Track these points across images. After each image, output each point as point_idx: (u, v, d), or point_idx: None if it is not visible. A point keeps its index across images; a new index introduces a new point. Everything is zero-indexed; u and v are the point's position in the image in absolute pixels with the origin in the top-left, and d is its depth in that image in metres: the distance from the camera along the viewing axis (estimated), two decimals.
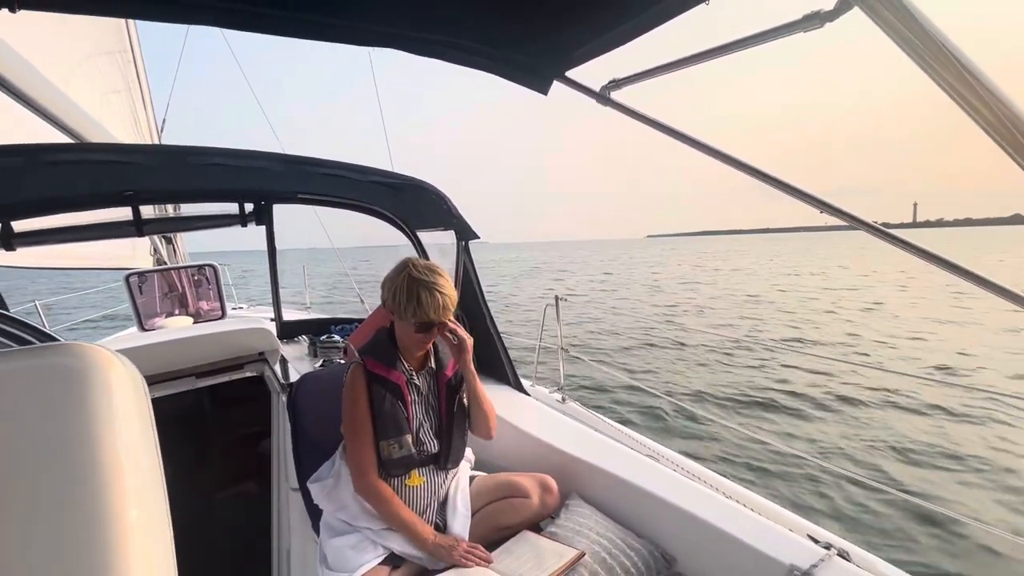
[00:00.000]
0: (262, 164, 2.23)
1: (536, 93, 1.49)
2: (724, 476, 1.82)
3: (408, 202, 2.75)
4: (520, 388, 2.55)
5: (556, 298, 3.27)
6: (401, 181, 2.39)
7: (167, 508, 0.61)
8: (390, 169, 2.53)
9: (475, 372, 1.63)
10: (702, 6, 1.07)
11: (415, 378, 1.57)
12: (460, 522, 1.56)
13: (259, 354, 2.89)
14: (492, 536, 1.58)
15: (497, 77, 1.43)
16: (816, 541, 1.29)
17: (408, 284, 1.47)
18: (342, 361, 2.82)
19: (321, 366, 2.77)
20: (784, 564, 1.21)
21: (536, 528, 1.60)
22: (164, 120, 5.69)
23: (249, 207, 2.83)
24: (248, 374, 2.85)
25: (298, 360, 3.00)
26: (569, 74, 1.35)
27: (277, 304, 3.45)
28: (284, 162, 2.25)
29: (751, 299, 16.84)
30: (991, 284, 0.86)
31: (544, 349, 3.51)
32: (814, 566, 1.18)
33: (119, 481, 0.53)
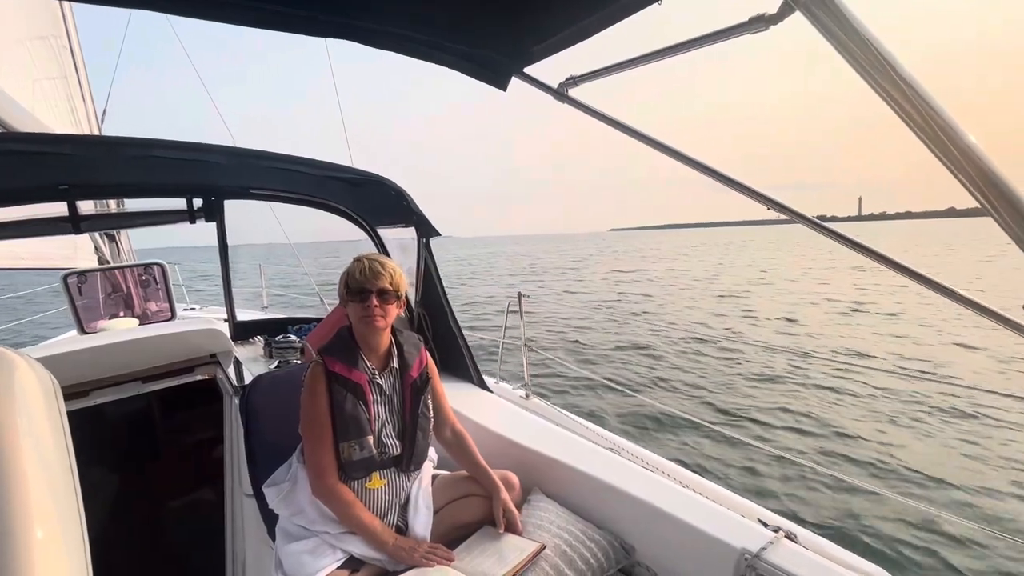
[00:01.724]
0: (211, 158, 2.14)
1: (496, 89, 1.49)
2: (681, 466, 1.88)
3: (367, 198, 2.70)
4: (483, 385, 2.55)
5: (519, 295, 3.28)
6: (359, 176, 2.33)
7: (82, 525, 0.55)
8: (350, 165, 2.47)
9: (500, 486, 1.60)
10: (655, 6, 1.10)
11: (378, 378, 1.54)
12: (422, 523, 1.54)
13: (211, 356, 2.78)
14: (455, 534, 1.58)
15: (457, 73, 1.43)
16: (766, 525, 1.35)
17: (347, 268, 1.54)
18: (299, 362, 2.74)
19: (277, 367, 2.68)
20: (736, 548, 1.25)
21: None
22: (105, 111, 5.37)
23: (198, 203, 2.71)
24: (200, 377, 2.73)
25: (253, 362, 2.90)
26: (528, 71, 1.36)
27: (230, 304, 3.32)
28: (235, 156, 2.16)
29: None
30: (906, 269, 0.93)
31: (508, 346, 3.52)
32: (763, 548, 1.23)
33: (21, 498, 0.48)
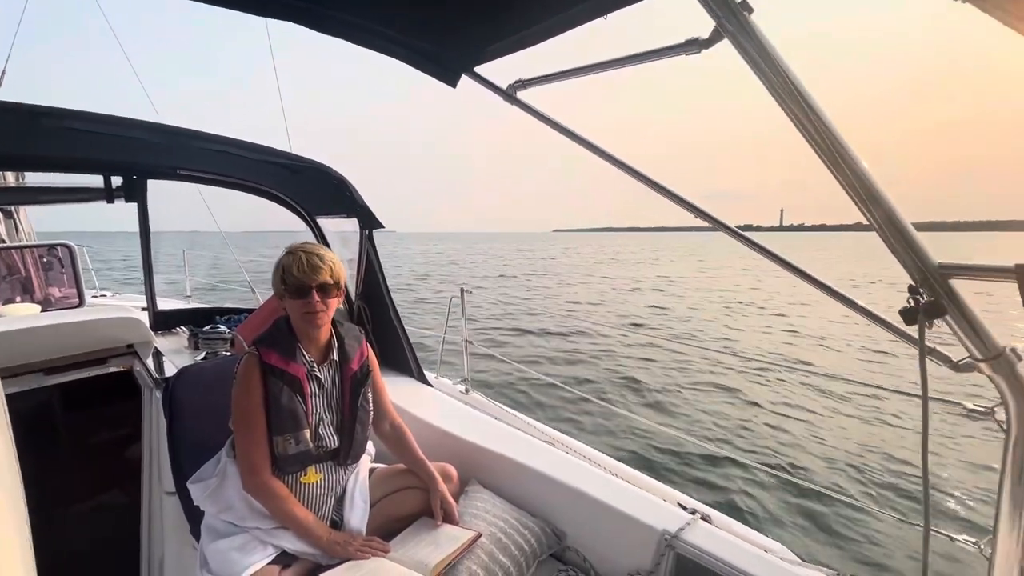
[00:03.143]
0: (135, 133, 1.99)
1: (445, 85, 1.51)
2: (610, 456, 1.98)
3: (307, 186, 2.62)
4: (423, 379, 2.55)
5: (461, 290, 3.30)
6: (298, 163, 2.26)
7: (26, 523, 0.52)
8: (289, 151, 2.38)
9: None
10: (600, 20, 1.17)
11: (316, 370, 1.51)
12: (358, 516, 1.54)
13: (127, 347, 2.59)
14: (392, 526, 1.58)
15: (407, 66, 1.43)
16: (684, 508, 1.46)
17: (282, 261, 1.48)
18: (228, 353, 2.62)
19: (203, 359, 2.54)
20: (657, 530, 1.35)
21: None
22: (3, 71, 4.82)
23: (117, 180, 2.51)
24: (114, 369, 2.54)
25: (176, 353, 2.73)
26: (478, 70, 1.39)
27: (150, 291, 3.10)
28: (161, 133, 2.02)
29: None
30: (809, 276, 1.05)
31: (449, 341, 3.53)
32: (681, 529, 1.33)
33: None
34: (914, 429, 5.02)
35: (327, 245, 2.81)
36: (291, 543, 1.42)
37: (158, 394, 2.16)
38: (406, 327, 2.60)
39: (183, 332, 3.17)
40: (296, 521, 1.40)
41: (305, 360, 1.48)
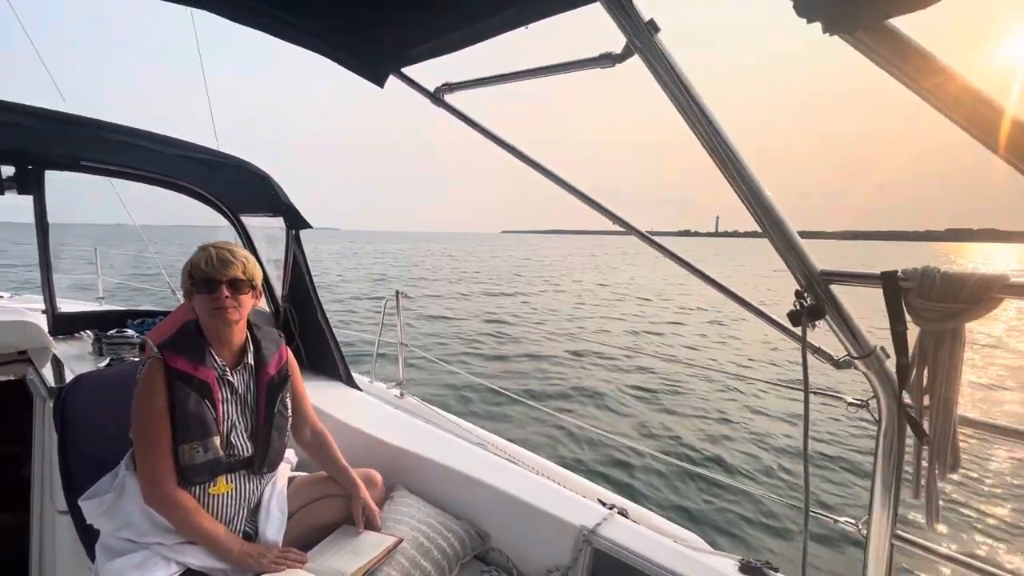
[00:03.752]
0: (30, 121, 1.81)
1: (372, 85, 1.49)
2: (540, 456, 2.02)
3: (227, 182, 2.49)
4: (352, 383, 2.49)
5: (397, 293, 3.24)
6: (216, 158, 2.14)
7: None
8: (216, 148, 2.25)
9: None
10: (521, 29, 1.20)
11: (229, 375, 1.43)
12: (274, 527, 1.47)
13: (19, 353, 2.36)
14: (312, 536, 1.53)
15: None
16: (604, 503, 1.51)
17: (191, 258, 1.42)
18: (137, 359, 2.44)
19: (108, 366, 2.35)
20: (576, 525, 1.39)
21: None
22: None
23: (8, 171, 2.28)
24: (4, 378, 2.30)
25: (78, 360, 2.51)
26: (406, 71, 1.38)
27: (49, 292, 2.83)
28: (61, 121, 1.86)
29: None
30: (710, 279, 1.13)
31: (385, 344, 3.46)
32: (598, 525, 1.38)
33: None
34: (817, 420, 5.43)
35: (251, 244, 2.69)
36: (198, 558, 1.33)
37: (51, 404, 1.98)
38: (335, 330, 2.53)
39: (88, 337, 2.92)
40: (204, 534, 1.33)
41: (216, 364, 1.41)
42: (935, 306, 0.87)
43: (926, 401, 0.93)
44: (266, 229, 2.65)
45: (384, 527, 1.52)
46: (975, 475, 4.29)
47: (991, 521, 3.66)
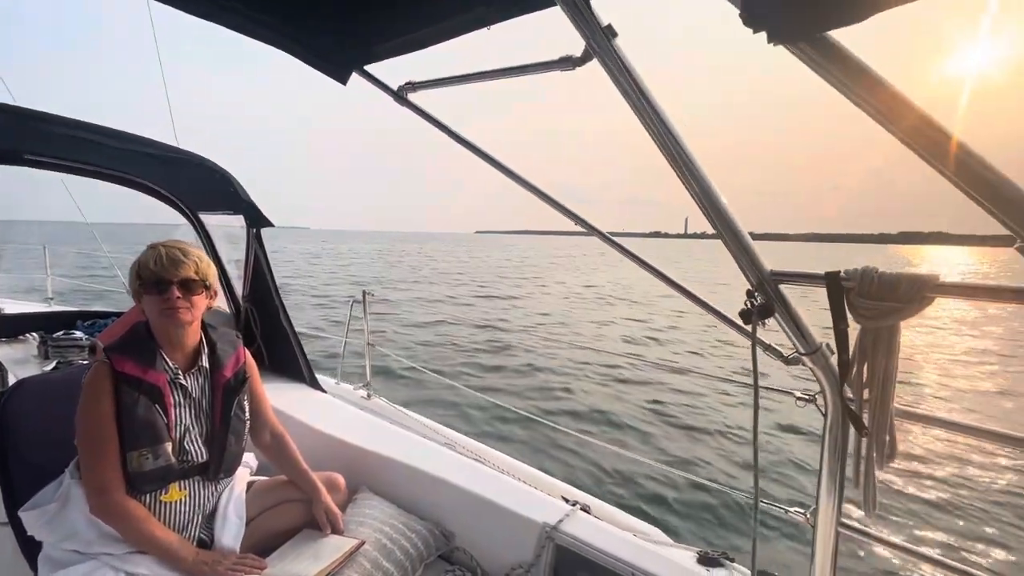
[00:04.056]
0: None
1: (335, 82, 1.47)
2: (506, 455, 2.03)
3: (185, 179, 2.41)
4: (316, 385, 2.44)
5: (363, 293, 3.20)
6: (174, 154, 2.07)
7: None
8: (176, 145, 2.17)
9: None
10: (484, 30, 1.21)
11: (181, 378, 1.38)
12: (231, 533, 1.43)
13: None
14: (272, 542, 1.50)
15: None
16: (567, 500, 1.53)
17: (139, 257, 1.37)
18: (86, 362, 2.33)
19: (54, 369, 2.24)
20: (538, 522, 1.41)
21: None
22: None
23: None
24: None
25: (21, 364, 2.38)
26: (369, 69, 1.37)
27: None
28: (2, 113, 1.76)
29: None
30: (668, 279, 1.17)
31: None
32: (560, 521, 1.40)
33: None
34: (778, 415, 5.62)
35: (211, 242, 2.61)
36: (149, 568, 1.29)
37: None
38: (297, 330, 2.48)
39: (33, 339, 2.77)
40: (155, 543, 1.28)
41: (167, 367, 1.36)
42: (874, 305, 0.92)
43: (866, 395, 0.98)
44: (227, 228, 2.57)
45: (346, 530, 1.50)
46: (919, 465, 4.52)
47: (929, 507, 3.87)
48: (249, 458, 1.72)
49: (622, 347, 10.12)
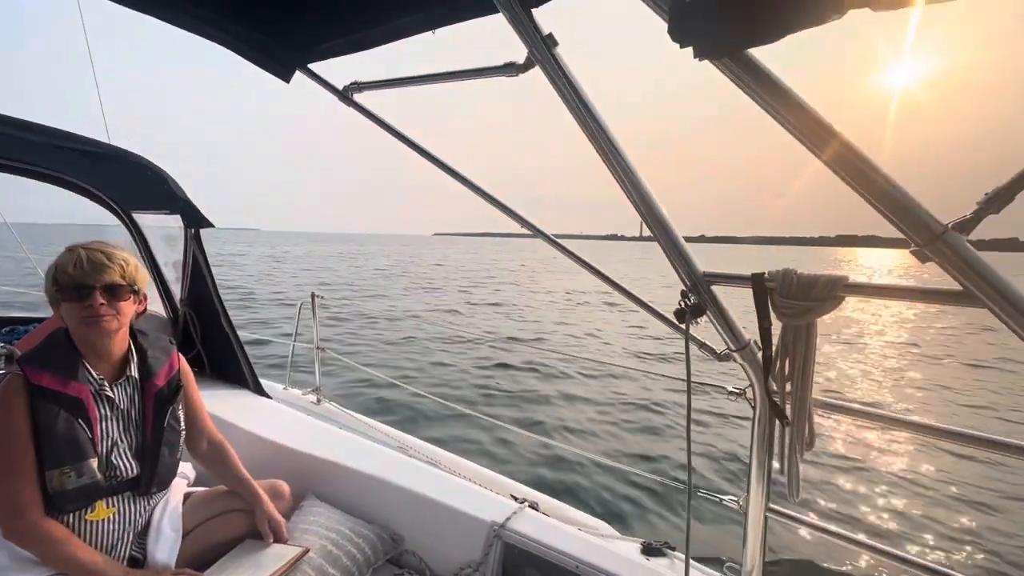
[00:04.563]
0: None
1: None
2: (459, 455, 2.03)
3: (116, 177, 2.28)
4: (260, 391, 2.36)
5: (312, 295, 3.12)
6: (105, 151, 1.95)
7: None
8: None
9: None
10: (428, 34, 1.22)
11: (107, 389, 1.30)
12: (166, 549, 1.37)
13: None
14: (211, 554, 1.44)
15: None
16: (516, 498, 1.56)
17: (56, 261, 1.28)
18: (3, 371, 2.16)
19: None
20: (486, 521, 1.42)
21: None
22: None
23: None
24: None
25: None
26: (314, 68, 1.35)
27: None
28: None
29: None
30: (608, 279, 1.22)
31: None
32: (508, 519, 1.42)
33: None
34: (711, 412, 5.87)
35: (145, 243, 2.48)
36: None
37: None
38: (239, 333, 2.39)
39: None
40: (79, 565, 1.20)
41: (91, 378, 1.28)
42: (793, 304, 0.99)
43: (788, 388, 1.06)
44: (163, 228, 2.45)
45: (291, 538, 1.46)
46: (840, 452, 4.84)
47: (848, 489, 4.16)
48: (186, 469, 1.65)
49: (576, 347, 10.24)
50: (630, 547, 1.45)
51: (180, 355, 1.49)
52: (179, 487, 1.53)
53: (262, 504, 1.48)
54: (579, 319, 13.46)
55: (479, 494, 1.56)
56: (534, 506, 1.52)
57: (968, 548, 3.44)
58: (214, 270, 2.39)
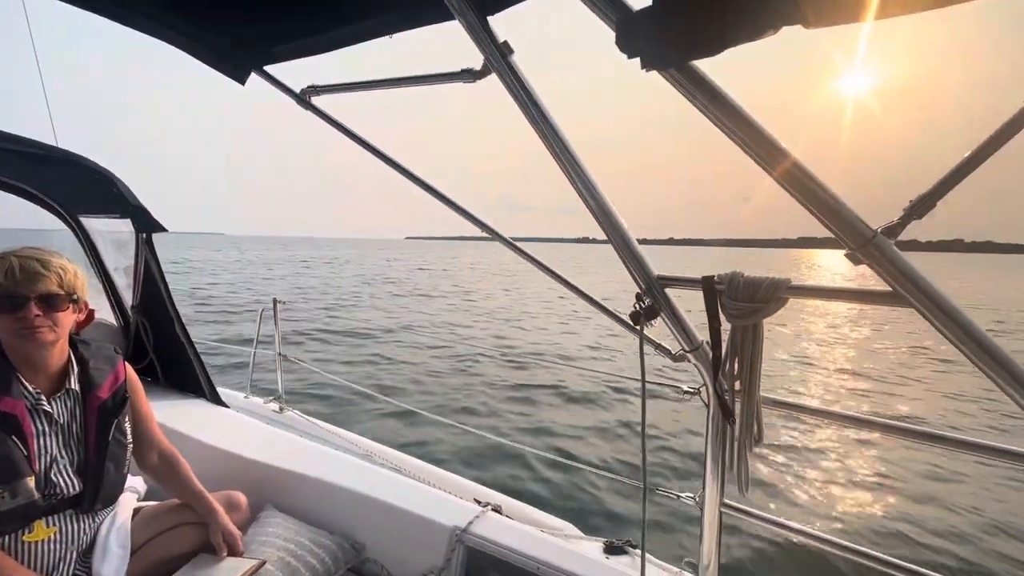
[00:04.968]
0: None
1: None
2: (424, 461, 2.02)
3: (61, 180, 2.18)
4: (217, 400, 2.29)
5: (274, 301, 3.04)
6: (49, 153, 1.86)
7: None
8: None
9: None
10: (385, 38, 1.21)
11: (45, 403, 1.23)
12: (112, 566, 1.31)
13: None
14: (164, 570, 1.39)
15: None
16: (479, 502, 1.56)
17: None
18: None
19: None
20: (448, 526, 1.42)
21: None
22: None
23: None
24: None
25: None
26: (270, 70, 1.33)
27: None
28: None
29: None
30: (566, 281, 1.24)
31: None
32: (470, 523, 1.42)
33: None
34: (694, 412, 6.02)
35: (94, 248, 2.38)
36: None
37: None
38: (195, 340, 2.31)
39: None
40: None
41: (27, 392, 1.21)
42: (740, 305, 1.03)
43: (737, 386, 1.10)
44: (113, 233, 2.35)
45: (247, 550, 1.42)
46: (787, 446, 5.03)
47: (797, 484, 4.32)
48: (136, 483, 1.58)
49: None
50: (593, 547, 1.46)
51: (127, 365, 1.44)
52: (128, 502, 1.47)
53: (216, 516, 1.44)
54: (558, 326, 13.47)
55: (442, 499, 1.55)
56: (497, 509, 1.53)
57: (908, 534, 3.63)
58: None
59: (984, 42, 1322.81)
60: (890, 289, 0.83)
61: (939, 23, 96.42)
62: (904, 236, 0.82)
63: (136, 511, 1.47)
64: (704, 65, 0.82)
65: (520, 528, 1.44)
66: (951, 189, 0.74)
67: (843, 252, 0.83)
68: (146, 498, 1.59)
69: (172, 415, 1.98)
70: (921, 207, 0.78)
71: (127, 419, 1.38)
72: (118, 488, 1.37)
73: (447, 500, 1.55)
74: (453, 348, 9.39)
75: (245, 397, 2.69)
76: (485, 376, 7.52)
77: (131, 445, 1.39)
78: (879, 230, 0.79)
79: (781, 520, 1.21)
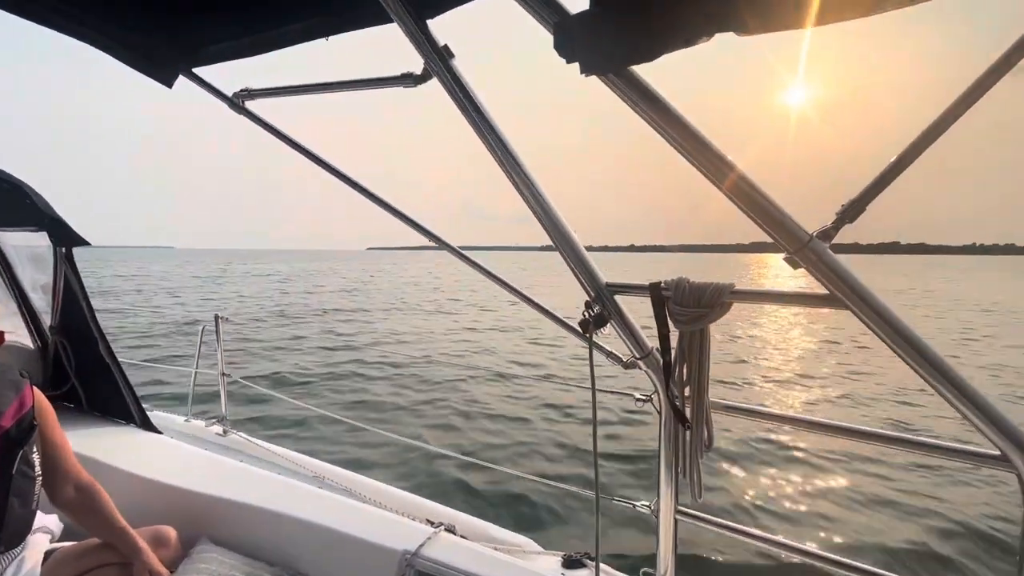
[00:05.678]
0: None
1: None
2: (376, 480, 1.93)
3: None
4: (148, 425, 2.13)
5: (216, 317, 2.87)
6: None
7: None
8: None
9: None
10: (322, 40, 1.16)
11: None
12: None
13: None
14: None
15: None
16: (432, 522, 1.49)
17: None
18: None
19: None
20: (398, 550, 1.35)
21: None
22: None
23: None
24: None
25: None
26: (199, 72, 1.25)
27: None
28: None
29: None
30: (514, 290, 1.21)
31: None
32: (421, 546, 1.36)
33: None
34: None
35: (7, 264, 2.18)
36: None
37: None
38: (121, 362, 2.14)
39: None
40: None
41: None
42: (686, 311, 1.03)
43: (687, 391, 1.09)
44: (28, 247, 2.16)
45: None
46: (735, 451, 5.15)
47: (749, 486, 4.43)
48: (50, 521, 1.43)
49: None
50: (551, 561, 1.43)
51: (35, 390, 1.30)
52: (38, 543, 1.32)
53: (141, 555, 1.31)
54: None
55: (393, 521, 1.48)
56: (451, 529, 1.47)
57: (861, 534, 3.76)
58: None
59: (907, 53, 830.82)
60: (827, 292, 0.84)
61: (867, 37, 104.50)
62: (844, 240, 0.85)
63: (48, 553, 1.33)
64: (646, 72, 0.82)
65: (474, 548, 1.39)
66: (879, 194, 0.76)
67: (782, 256, 0.85)
68: (62, 538, 1.44)
69: (95, 444, 1.82)
70: (852, 211, 0.80)
71: (35, 449, 1.25)
72: (25, 526, 1.23)
73: (397, 522, 1.48)
74: (393, 358, 9.17)
75: (186, 420, 2.52)
76: (437, 391, 7.37)
77: (40, 478, 1.26)
78: (814, 234, 0.80)
79: (735, 525, 1.21)
